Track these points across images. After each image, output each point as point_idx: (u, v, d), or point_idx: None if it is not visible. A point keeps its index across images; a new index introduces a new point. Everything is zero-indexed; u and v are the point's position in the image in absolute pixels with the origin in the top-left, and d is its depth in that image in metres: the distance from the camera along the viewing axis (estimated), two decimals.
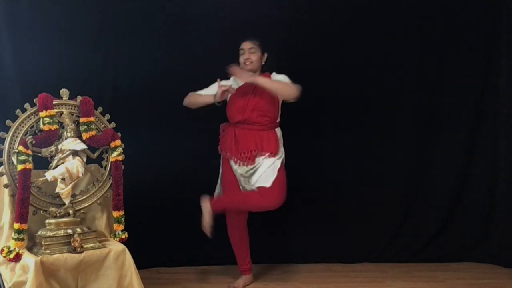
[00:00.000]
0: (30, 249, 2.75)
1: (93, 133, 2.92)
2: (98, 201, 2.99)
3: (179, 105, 3.79)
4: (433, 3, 3.91)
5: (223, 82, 3.38)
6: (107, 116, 3.05)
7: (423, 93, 3.99)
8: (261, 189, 3.28)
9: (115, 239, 2.97)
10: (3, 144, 2.76)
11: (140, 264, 2.96)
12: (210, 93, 3.39)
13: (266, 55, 3.42)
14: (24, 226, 2.68)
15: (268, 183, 3.26)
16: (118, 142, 2.99)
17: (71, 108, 2.93)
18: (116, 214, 2.99)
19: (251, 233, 3.66)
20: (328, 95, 3.58)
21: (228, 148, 3.39)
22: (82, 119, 2.92)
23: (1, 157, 2.75)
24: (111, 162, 2.98)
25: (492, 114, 3.97)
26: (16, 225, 2.67)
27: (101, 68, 3.58)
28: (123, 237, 2.99)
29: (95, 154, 2.99)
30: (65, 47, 3.42)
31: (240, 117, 3.36)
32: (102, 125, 3.01)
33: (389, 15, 3.90)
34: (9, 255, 2.63)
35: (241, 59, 3.40)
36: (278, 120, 3.41)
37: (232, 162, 3.38)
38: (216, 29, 3.79)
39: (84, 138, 2.90)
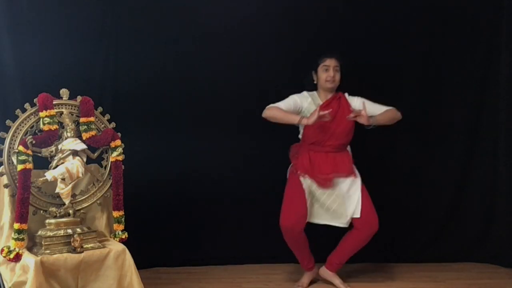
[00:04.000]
0: (30, 249, 2.75)
1: (93, 133, 2.92)
2: (98, 201, 2.99)
3: (179, 105, 3.80)
4: (433, 2, 3.91)
5: (297, 97, 3.33)
6: (107, 116, 3.05)
7: (423, 93, 3.99)
8: (356, 221, 3.30)
9: (115, 239, 2.97)
10: (3, 144, 2.76)
11: (140, 264, 2.96)
12: (291, 108, 3.27)
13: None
14: (24, 226, 2.68)
15: (357, 213, 3.30)
16: (118, 142, 2.99)
17: (71, 108, 2.93)
18: (116, 214, 2.99)
19: (257, 233, 3.67)
20: None
21: (304, 170, 3.31)
22: (82, 119, 2.92)
23: (1, 157, 2.75)
24: (111, 162, 2.98)
25: (492, 114, 3.97)
26: (16, 225, 2.67)
27: (101, 68, 3.58)
28: (123, 237, 2.99)
29: (95, 154, 2.99)
30: (65, 47, 3.41)
31: (319, 138, 3.31)
32: (102, 125, 3.01)
33: (389, 15, 3.90)
34: (9, 255, 2.63)
35: (324, 75, 3.34)
36: None
37: (309, 182, 3.31)
38: (218, 29, 3.79)
39: (84, 138, 2.90)
